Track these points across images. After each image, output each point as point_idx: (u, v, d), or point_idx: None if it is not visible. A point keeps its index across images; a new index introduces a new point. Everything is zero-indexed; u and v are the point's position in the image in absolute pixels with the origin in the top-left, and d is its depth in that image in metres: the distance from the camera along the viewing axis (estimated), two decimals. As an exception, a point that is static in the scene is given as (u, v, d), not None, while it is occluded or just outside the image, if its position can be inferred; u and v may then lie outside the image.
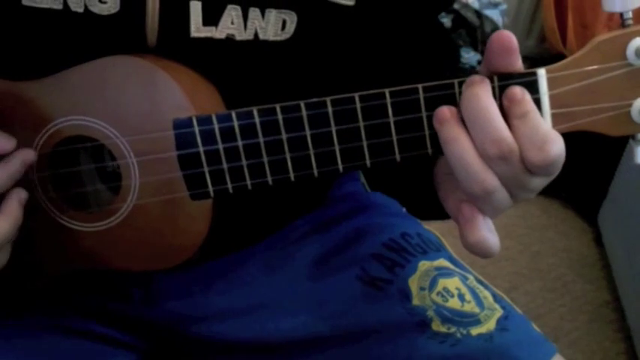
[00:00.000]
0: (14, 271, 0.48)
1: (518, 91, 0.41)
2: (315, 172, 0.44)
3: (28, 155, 0.47)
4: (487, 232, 0.43)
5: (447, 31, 0.66)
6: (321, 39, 0.52)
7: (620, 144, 1.55)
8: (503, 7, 1.89)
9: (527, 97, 0.41)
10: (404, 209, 0.71)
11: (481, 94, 0.41)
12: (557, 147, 0.40)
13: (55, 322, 0.57)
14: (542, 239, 1.71)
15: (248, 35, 0.49)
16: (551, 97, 0.42)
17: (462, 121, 0.42)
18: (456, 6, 1.84)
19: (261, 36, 0.49)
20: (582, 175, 1.73)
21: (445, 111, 0.42)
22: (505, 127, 0.41)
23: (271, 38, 0.50)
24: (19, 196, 0.47)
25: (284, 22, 0.50)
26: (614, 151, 1.56)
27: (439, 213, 0.49)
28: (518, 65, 0.42)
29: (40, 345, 0.55)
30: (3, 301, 0.54)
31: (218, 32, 0.49)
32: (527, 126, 0.40)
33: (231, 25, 0.49)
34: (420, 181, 0.51)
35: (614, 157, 1.57)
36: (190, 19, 0.48)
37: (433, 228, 0.66)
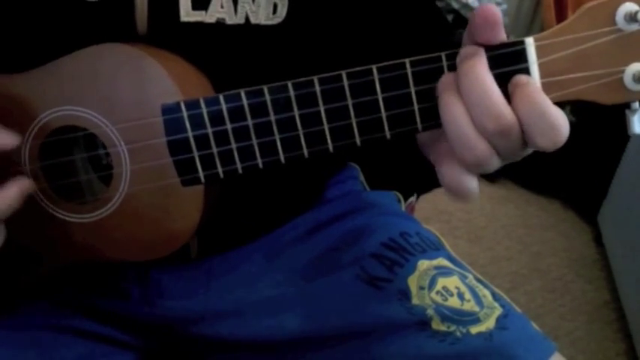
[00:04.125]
0: (8, 266, 0.48)
1: (523, 78, 0.40)
2: (306, 152, 0.44)
3: (25, 184, 0.47)
4: (473, 185, 0.43)
5: (441, 11, 0.66)
6: (314, 22, 0.52)
7: (620, 144, 1.55)
8: (504, 7, 1.89)
9: (532, 80, 0.40)
10: (402, 209, 0.71)
11: (478, 67, 0.40)
12: (566, 130, 0.39)
13: (53, 320, 0.57)
14: (542, 239, 1.71)
15: (239, 19, 0.49)
16: (541, 66, 0.41)
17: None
18: (456, 6, 1.84)
19: (253, 20, 0.49)
20: (582, 175, 1.73)
21: (448, 77, 0.41)
22: (504, 102, 0.40)
23: (263, 22, 0.50)
24: (22, 184, 0.46)
25: (275, 6, 0.50)
26: (614, 151, 1.56)
27: (432, 182, 0.49)
28: (502, 37, 0.41)
29: (38, 344, 0.55)
30: (2, 300, 0.53)
31: (208, 16, 0.48)
32: (535, 111, 0.39)
33: (220, 8, 0.48)
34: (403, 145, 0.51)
35: (614, 157, 1.57)
36: (180, 2, 0.47)
37: (433, 228, 0.66)
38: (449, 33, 0.66)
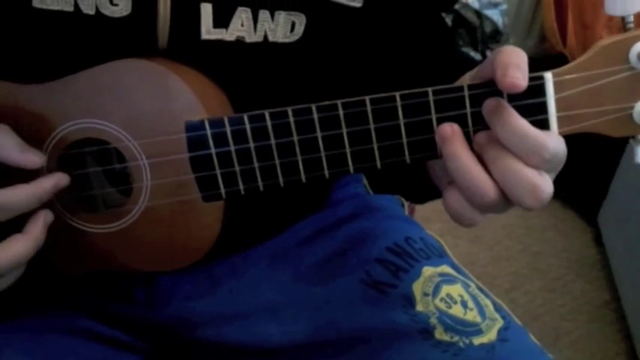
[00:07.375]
0: (27, 275, 0.48)
1: (492, 102, 0.42)
2: (327, 173, 0.45)
3: (62, 180, 0.47)
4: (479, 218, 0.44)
5: (447, 25, 0.67)
6: (330, 40, 0.53)
7: (620, 144, 1.55)
8: (503, 7, 1.89)
9: (504, 102, 0.41)
10: (406, 212, 0.71)
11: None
12: (553, 145, 0.41)
13: (58, 322, 0.57)
14: (542, 239, 1.71)
15: (258, 37, 0.49)
16: (557, 101, 0.42)
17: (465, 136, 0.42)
18: (456, 6, 1.84)
19: (271, 38, 0.50)
20: (582, 175, 1.73)
21: (447, 128, 0.42)
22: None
23: (280, 40, 0.50)
24: (46, 218, 0.47)
25: (293, 24, 0.50)
26: (614, 151, 1.56)
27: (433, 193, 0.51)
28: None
29: (43, 346, 0.55)
30: (13, 303, 0.54)
31: (228, 34, 0.49)
32: (516, 135, 0.41)
33: (241, 27, 0.49)
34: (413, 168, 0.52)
35: (614, 157, 1.57)
36: (201, 21, 0.48)
37: (434, 228, 0.66)
38: (452, 44, 0.67)
